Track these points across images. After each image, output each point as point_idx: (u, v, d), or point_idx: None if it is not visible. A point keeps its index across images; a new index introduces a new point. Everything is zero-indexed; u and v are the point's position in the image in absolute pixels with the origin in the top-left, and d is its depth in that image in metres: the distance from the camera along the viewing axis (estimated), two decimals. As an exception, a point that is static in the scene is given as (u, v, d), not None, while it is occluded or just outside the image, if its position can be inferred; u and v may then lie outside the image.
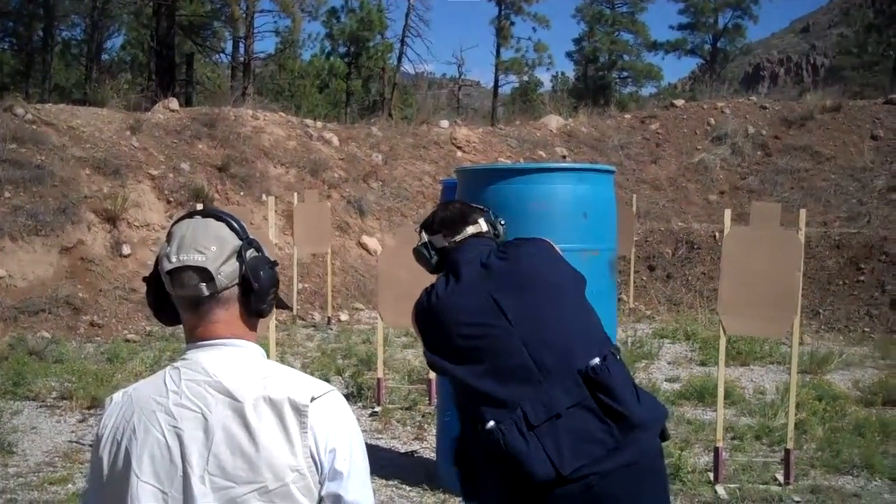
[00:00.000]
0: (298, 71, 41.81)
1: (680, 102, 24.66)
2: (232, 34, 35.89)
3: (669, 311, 14.69)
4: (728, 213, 6.62)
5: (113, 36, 38.68)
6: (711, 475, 6.52)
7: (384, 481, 6.53)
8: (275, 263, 2.04)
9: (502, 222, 3.29)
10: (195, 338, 1.97)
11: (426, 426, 7.95)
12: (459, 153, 20.42)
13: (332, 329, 13.57)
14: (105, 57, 38.28)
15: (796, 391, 6.72)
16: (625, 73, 52.86)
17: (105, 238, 13.99)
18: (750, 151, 21.58)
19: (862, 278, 13.90)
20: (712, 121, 22.70)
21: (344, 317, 14.52)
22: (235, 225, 1.99)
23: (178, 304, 1.99)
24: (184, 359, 1.96)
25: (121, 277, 13.55)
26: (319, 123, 20.79)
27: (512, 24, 48.28)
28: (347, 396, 9.04)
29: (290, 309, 13.86)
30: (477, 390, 2.84)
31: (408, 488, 6.37)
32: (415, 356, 10.94)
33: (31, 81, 31.45)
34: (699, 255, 16.05)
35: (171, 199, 15.13)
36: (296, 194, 14.79)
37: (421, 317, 3.08)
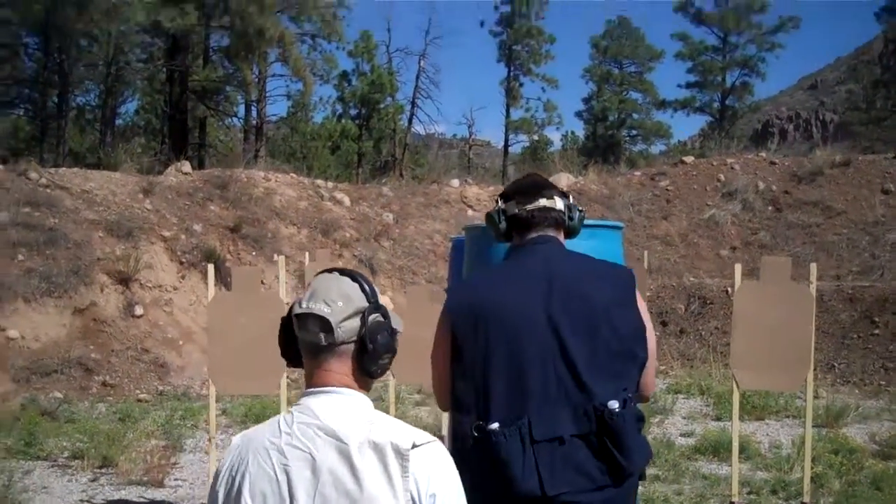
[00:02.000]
0: (310, 133, 42.13)
1: (689, 159, 24.73)
2: (244, 98, 36.26)
3: (683, 366, 14.62)
4: (738, 267, 6.61)
5: (127, 101, 39.08)
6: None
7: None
8: (394, 332, 2.14)
9: (581, 209, 3.12)
10: (310, 385, 2.11)
11: (439, 484, 7.88)
12: (470, 211, 20.51)
13: (344, 388, 13.53)
14: (119, 122, 38.72)
15: (812, 445, 6.66)
16: (634, 132, 53.11)
17: (118, 299, 14.05)
18: (761, 207, 21.59)
19: (877, 331, 13.83)
20: (722, 177, 22.75)
21: (356, 376, 14.48)
22: (367, 288, 2.12)
23: (301, 348, 2.13)
24: (298, 404, 2.09)
25: (133, 338, 13.58)
26: (331, 184, 20.95)
27: (521, 84, 48.70)
28: (359, 455, 9.01)
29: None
30: (491, 387, 2.80)
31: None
32: (427, 413, 10.89)
33: (45, 146, 31.76)
34: (712, 311, 16.01)
35: (184, 259, 15.21)
36: (307, 254, 14.85)
37: (460, 298, 2.99)
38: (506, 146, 48.55)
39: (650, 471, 8.40)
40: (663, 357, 15.23)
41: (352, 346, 2.08)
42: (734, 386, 6.44)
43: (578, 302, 2.80)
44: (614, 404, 2.70)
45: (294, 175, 20.64)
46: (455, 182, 22.90)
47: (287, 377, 12.72)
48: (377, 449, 1.96)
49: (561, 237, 3.04)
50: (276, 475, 1.98)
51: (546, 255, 2.94)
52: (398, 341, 2.15)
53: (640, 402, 3.00)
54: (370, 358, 2.08)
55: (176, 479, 8.27)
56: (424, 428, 8.40)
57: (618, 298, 2.83)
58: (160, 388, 12.79)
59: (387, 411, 9.23)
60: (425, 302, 9.61)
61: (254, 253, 16.25)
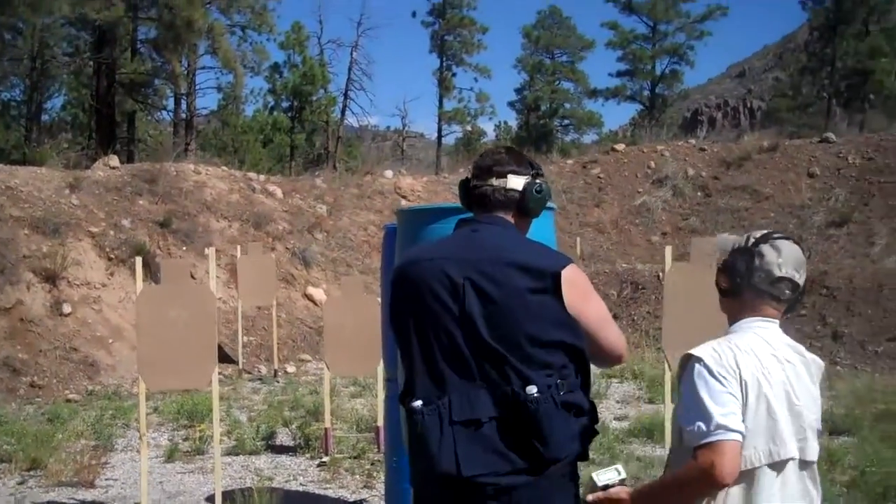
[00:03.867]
0: (242, 126, 41.64)
1: (621, 147, 24.99)
2: (174, 91, 35.71)
3: (628, 360, 14.73)
4: (669, 249, 6.68)
5: (53, 96, 38.28)
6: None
7: (332, 531, 6.43)
8: None
9: (539, 189, 3.01)
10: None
11: (375, 474, 7.85)
12: (404, 202, 20.46)
13: (278, 382, 13.42)
14: (45, 118, 37.88)
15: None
16: (566, 121, 53.53)
17: (45, 298, 13.74)
18: (690, 193, 21.90)
19: (804, 312, 14.08)
20: (653, 164, 23.01)
21: (291, 369, 14.37)
22: None
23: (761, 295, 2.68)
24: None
25: (61, 337, 13.29)
26: (262, 176, 20.74)
27: (454, 74, 48.84)
28: (294, 448, 8.95)
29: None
30: (415, 365, 2.84)
31: (357, 537, 6.28)
32: (363, 405, 10.85)
33: (-32, 145, 31.07)
34: (644, 295, 16.18)
35: (112, 256, 14.92)
36: (239, 247, 14.68)
37: (399, 271, 3.01)
38: (439, 137, 48.65)
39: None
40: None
41: None
42: (666, 367, 6.50)
43: (498, 288, 2.77)
44: (532, 389, 2.69)
45: (225, 168, 20.39)
46: (389, 173, 22.84)
47: (220, 372, 12.61)
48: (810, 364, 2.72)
49: (512, 217, 2.99)
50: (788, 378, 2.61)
51: (481, 236, 2.91)
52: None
53: (612, 366, 3.15)
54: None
55: (107, 479, 8.11)
56: (360, 420, 8.41)
57: (539, 286, 2.77)
58: (90, 387, 12.54)
59: (321, 405, 9.18)
60: (359, 292, 9.59)
61: (184, 248, 16.01)
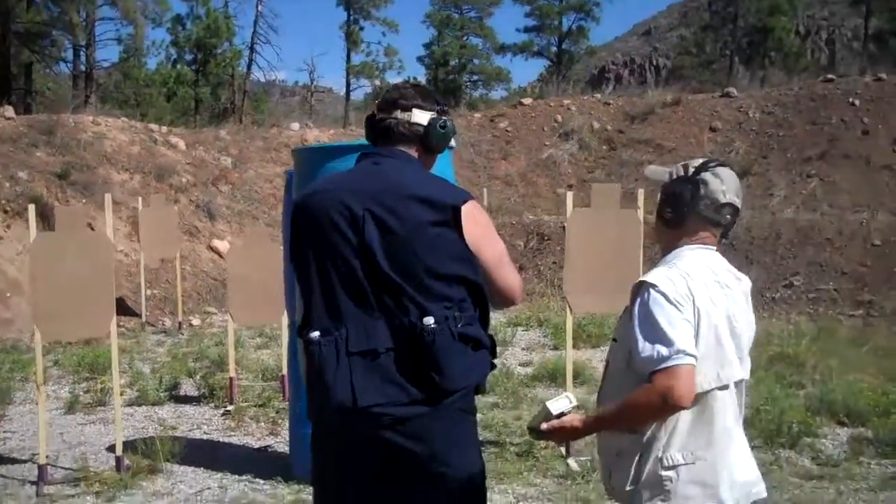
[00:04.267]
0: (144, 79, 40.62)
1: (528, 101, 25.09)
2: (72, 42, 34.62)
3: (523, 301, 14.90)
4: (570, 195, 6.77)
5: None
6: (563, 450, 6.63)
7: (237, 476, 6.41)
8: None
9: (443, 125, 2.99)
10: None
11: (280, 421, 7.84)
12: (311, 155, 20.24)
13: (183, 334, 13.25)
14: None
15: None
16: (475, 77, 53.51)
17: (-63, 251, 13.31)
18: (596, 146, 22.13)
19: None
20: (559, 118, 23.18)
21: (196, 321, 14.20)
22: None
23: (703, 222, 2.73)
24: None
25: (-44, 291, 12.91)
26: (164, 128, 20.29)
27: (361, 28, 48.24)
28: (199, 398, 8.88)
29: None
30: (312, 296, 2.84)
31: (261, 482, 6.27)
32: (269, 356, 10.79)
33: None
34: (549, 246, 16.38)
35: (8, 209, 14.47)
36: (140, 199, 14.38)
37: (299, 202, 2.98)
38: (347, 91, 48.19)
39: (489, 399, 8.58)
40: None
41: None
42: (567, 311, 6.60)
43: (398, 220, 2.76)
44: (430, 321, 2.71)
45: (125, 119, 19.88)
46: (295, 125, 22.58)
47: (123, 325, 12.41)
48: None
49: (415, 152, 2.97)
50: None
51: (382, 169, 2.90)
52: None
53: (507, 307, 3.12)
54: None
55: (5, 432, 7.94)
56: (266, 370, 8.34)
57: (440, 219, 2.77)
58: (-10, 340, 12.23)
59: (226, 356, 9.10)
60: (263, 242, 9.51)
61: (84, 200, 15.60)
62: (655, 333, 2.51)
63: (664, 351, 2.47)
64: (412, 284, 2.74)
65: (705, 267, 2.68)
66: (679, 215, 2.73)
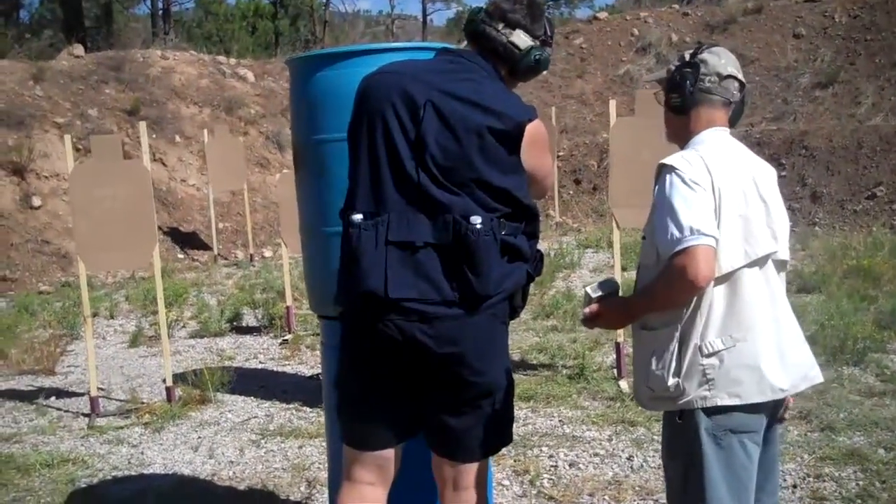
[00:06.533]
0: (224, 14, 40.69)
1: (603, 16, 24.38)
2: (150, -18, 34.72)
3: (595, 223, 14.60)
4: (613, 103, 6.45)
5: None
6: (616, 371, 6.43)
7: (284, 405, 6.39)
8: None
9: (538, 58, 2.85)
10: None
11: (335, 349, 7.77)
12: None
13: (254, 266, 13.32)
14: (24, 14, 37.03)
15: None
16: (558, -4, 52.37)
17: (14, 191, 13.57)
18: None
19: (784, 173, 13.85)
20: (636, 31, 22.43)
21: (268, 253, 14.26)
22: None
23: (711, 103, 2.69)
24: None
25: (32, 230, 13.17)
26: (233, 60, 20.20)
27: (437, -49, 47.47)
28: (259, 328, 8.89)
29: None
30: (359, 178, 2.75)
31: (308, 410, 6.23)
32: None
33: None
34: (623, 165, 15.94)
35: (80, 147, 14.63)
36: (206, 131, 14.40)
37: (365, 81, 2.84)
38: (424, 18, 47.57)
39: (547, 322, 8.39)
40: (576, 215, 15.19)
41: None
42: (614, 225, 6.34)
43: (457, 119, 2.66)
44: (476, 220, 2.62)
45: (193, 52, 19.88)
46: (367, 52, 22.33)
47: (195, 258, 12.51)
48: None
49: (500, 68, 2.85)
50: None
51: (457, 68, 2.79)
52: None
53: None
54: None
55: (68, 366, 8.08)
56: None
57: (500, 130, 2.67)
58: (64, 279, 12.46)
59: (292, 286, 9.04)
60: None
61: (154, 136, 15.70)
62: (673, 216, 2.47)
63: (678, 233, 2.44)
64: (459, 185, 2.66)
65: (724, 146, 2.65)
66: (686, 98, 2.69)
